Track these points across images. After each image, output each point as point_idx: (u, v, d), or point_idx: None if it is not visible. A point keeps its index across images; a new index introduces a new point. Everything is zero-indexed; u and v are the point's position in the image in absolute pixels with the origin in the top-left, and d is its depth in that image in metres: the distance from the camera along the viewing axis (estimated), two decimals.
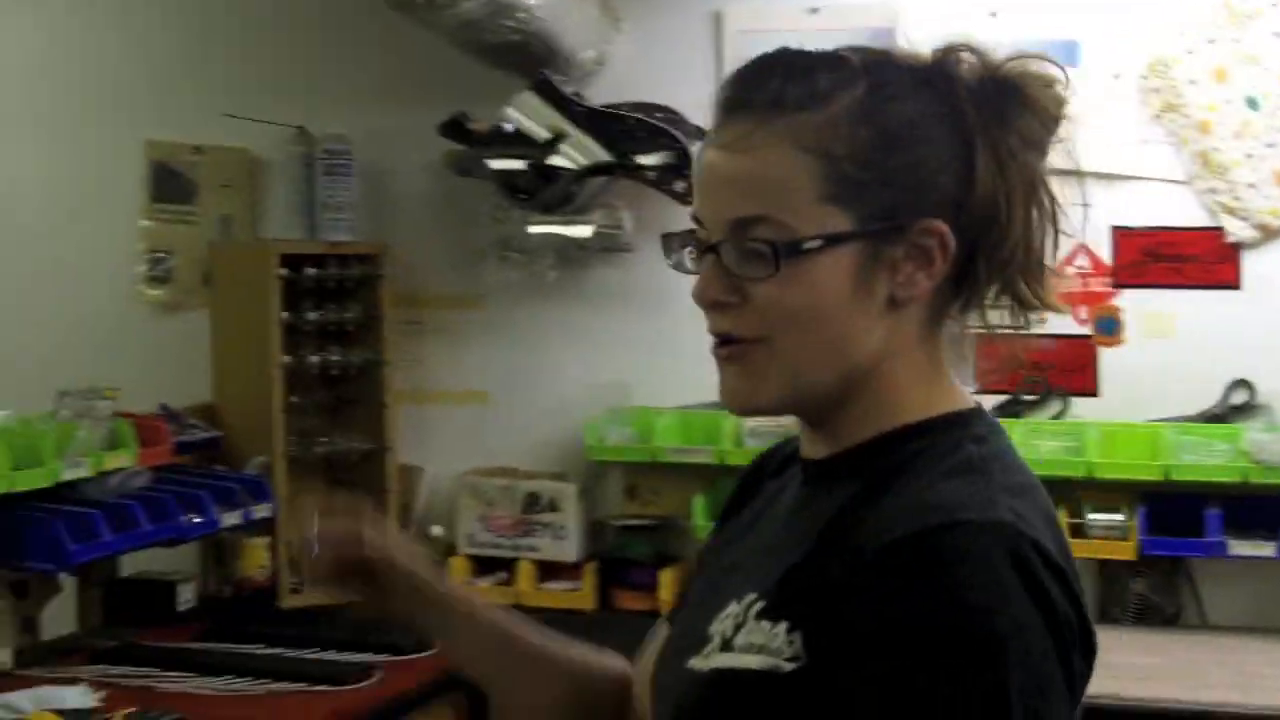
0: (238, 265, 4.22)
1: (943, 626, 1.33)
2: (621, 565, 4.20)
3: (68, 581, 3.78)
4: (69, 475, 3.47)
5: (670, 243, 1.54)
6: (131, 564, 3.96)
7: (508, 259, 4.29)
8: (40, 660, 3.44)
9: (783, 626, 1.41)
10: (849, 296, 1.45)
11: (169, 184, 4.61)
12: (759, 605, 1.44)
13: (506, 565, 4.24)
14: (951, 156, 1.47)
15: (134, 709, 2.66)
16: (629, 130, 4.07)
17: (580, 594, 4.16)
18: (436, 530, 4.34)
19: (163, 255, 4.61)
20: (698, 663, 1.48)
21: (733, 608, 1.47)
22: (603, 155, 4.06)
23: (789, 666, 1.40)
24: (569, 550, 4.23)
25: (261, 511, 3.95)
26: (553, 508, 4.25)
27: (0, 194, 4.77)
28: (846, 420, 1.50)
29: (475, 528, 4.29)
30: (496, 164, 4.08)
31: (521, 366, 4.42)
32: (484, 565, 4.28)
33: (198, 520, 3.73)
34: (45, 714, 2.69)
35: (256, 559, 4.04)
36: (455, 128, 4.14)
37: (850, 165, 1.44)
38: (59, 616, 3.78)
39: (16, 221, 4.75)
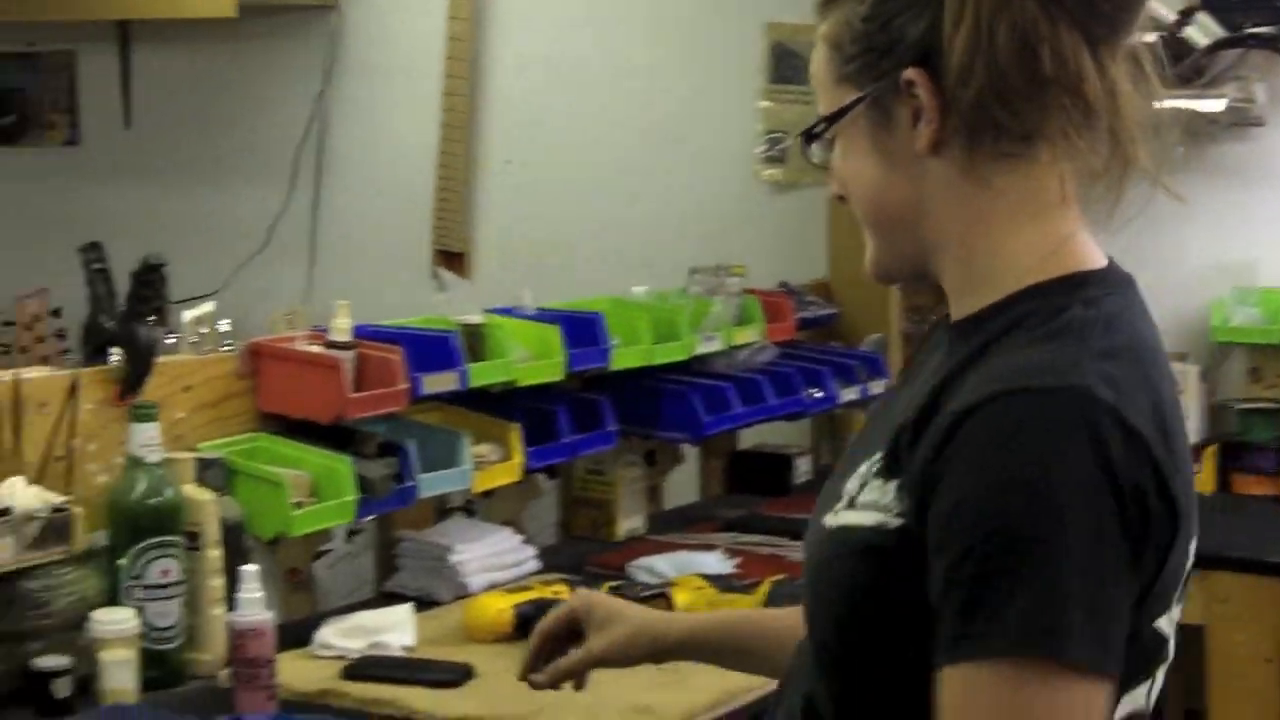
0: None
1: (992, 505, 1.36)
2: (1242, 449, 4.10)
3: (689, 453, 3.93)
4: (703, 349, 3.59)
5: None
6: (747, 437, 4.07)
7: None
8: (670, 527, 3.58)
9: (894, 484, 1.46)
10: (875, 165, 1.54)
11: (788, 65, 4.68)
12: (879, 464, 1.49)
13: None
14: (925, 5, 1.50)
15: (782, 575, 2.74)
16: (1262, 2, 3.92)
17: (1199, 477, 4.06)
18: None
19: (779, 135, 4.70)
20: (829, 519, 1.53)
21: (863, 467, 1.52)
22: (1221, 30, 3.93)
23: (895, 523, 1.44)
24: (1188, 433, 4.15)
25: (877, 388, 3.99)
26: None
27: (628, 80, 4.93)
28: (958, 286, 1.55)
29: None
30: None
31: (1140, 245, 4.29)
32: None
33: (818, 395, 3.81)
34: (690, 577, 2.80)
35: None
36: None
37: (851, 45, 1.53)
38: (676, 488, 3.94)
39: (644, 105, 4.90)
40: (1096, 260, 1.53)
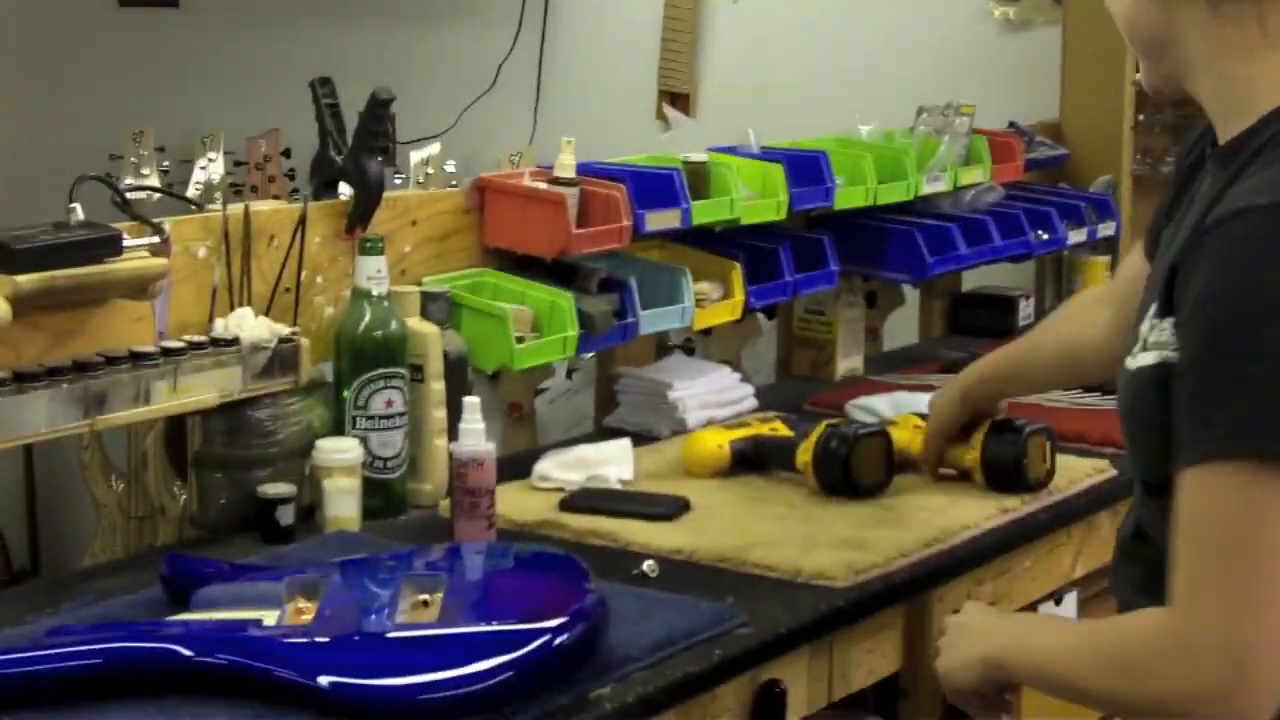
0: None
1: (1211, 312, 1.53)
2: None
3: (910, 295, 3.89)
4: (928, 190, 3.53)
5: None
6: (970, 279, 4.02)
7: None
8: (889, 368, 3.55)
9: (1169, 321, 1.61)
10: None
11: None
12: (1159, 304, 1.64)
13: None
14: None
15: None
16: None
17: None
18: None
19: None
20: (1129, 361, 1.68)
21: (1150, 309, 1.66)
22: None
23: (1174, 357, 1.59)
24: None
25: (1105, 230, 3.92)
26: None
27: None
28: (1219, 111, 1.69)
29: None
30: None
31: None
32: None
33: (1046, 237, 3.74)
34: (908, 416, 2.77)
35: (1096, 277, 4.01)
36: None
37: None
38: (896, 329, 3.91)
39: None
40: None
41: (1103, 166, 4.03)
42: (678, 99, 5.07)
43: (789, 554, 2.30)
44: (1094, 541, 2.76)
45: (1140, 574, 1.75)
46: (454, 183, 3.31)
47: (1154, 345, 1.64)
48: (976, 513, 2.51)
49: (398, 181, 4.24)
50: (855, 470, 2.57)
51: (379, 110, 2.71)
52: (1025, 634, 1.82)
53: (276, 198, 4.31)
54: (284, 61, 5.39)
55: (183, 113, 5.16)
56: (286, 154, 4.76)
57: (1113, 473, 2.79)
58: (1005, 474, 2.60)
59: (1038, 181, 4.02)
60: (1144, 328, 1.67)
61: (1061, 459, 2.74)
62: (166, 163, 4.68)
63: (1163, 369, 1.61)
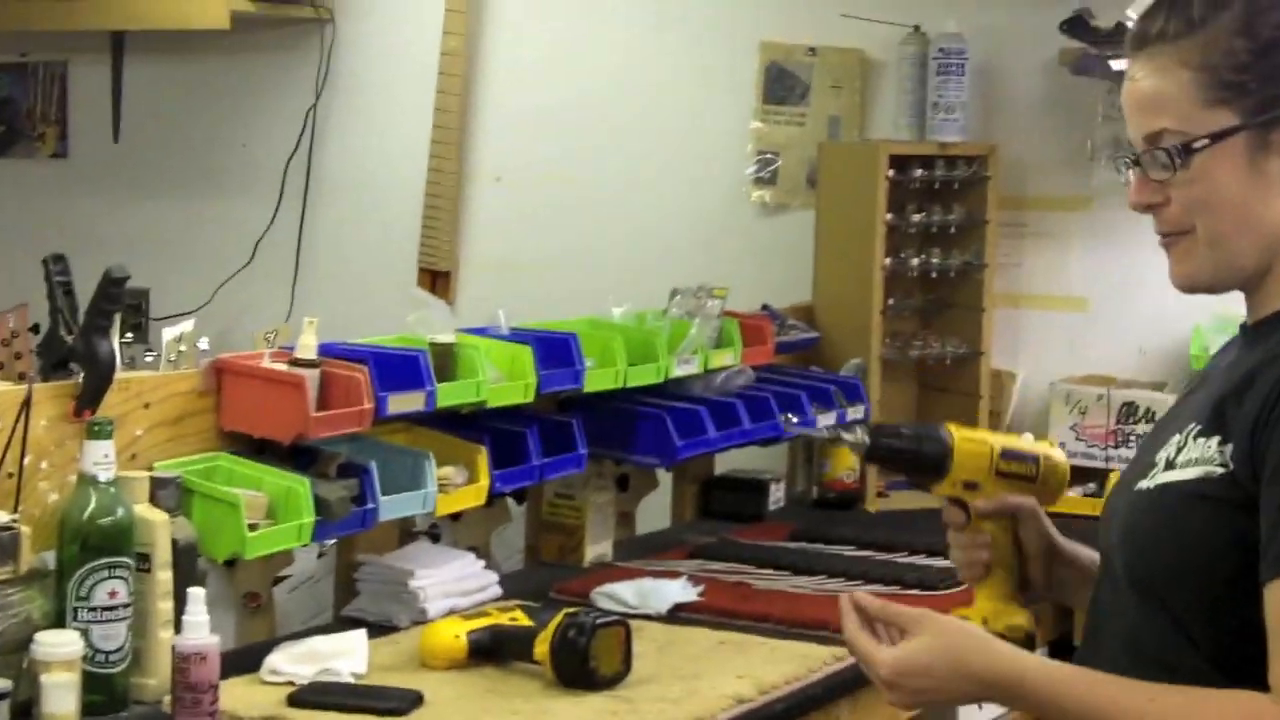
0: (845, 166, 4.21)
1: None
2: None
3: (664, 478, 3.88)
4: (679, 372, 3.54)
5: (1118, 164, 1.87)
6: (724, 462, 4.02)
7: (1119, 160, 4.16)
8: (638, 553, 3.52)
9: (1215, 440, 1.71)
10: (1246, 181, 1.75)
11: (781, 85, 4.64)
12: (1196, 429, 1.74)
13: (1097, 476, 4.09)
14: None
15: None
16: None
17: None
18: (1026, 438, 4.21)
19: (770, 156, 4.65)
20: (1143, 484, 1.77)
21: (1175, 438, 1.76)
22: None
23: (1219, 471, 1.69)
24: None
25: (855, 413, 3.94)
26: (1149, 419, 4.10)
27: (621, 99, 4.89)
28: (1269, 291, 1.78)
29: (1066, 436, 4.17)
30: (1119, 64, 3.96)
31: (1126, 272, 4.28)
32: (1074, 475, 4.14)
33: (795, 420, 3.76)
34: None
35: (845, 461, 4.05)
36: (1078, 24, 4.02)
37: (1229, 72, 1.73)
38: (650, 513, 3.89)
39: (636, 124, 4.86)
40: None
41: (853, 350, 4.08)
42: (438, 277, 5.05)
43: None
44: None
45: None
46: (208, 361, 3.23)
47: (1190, 463, 1.72)
48: (712, 704, 2.49)
49: (149, 359, 4.17)
50: (593, 661, 2.53)
51: (112, 289, 2.64)
52: (1057, 670, 1.77)
53: (23, 375, 4.20)
54: (37, 234, 5.31)
55: None
56: (35, 329, 4.65)
57: (851, 660, 2.77)
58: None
59: (789, 364, 4.06)
60: (1162, 455, 1.76)
61: (803, 647, 2.74)
62: None
63: (1207, 482, 1.70)
